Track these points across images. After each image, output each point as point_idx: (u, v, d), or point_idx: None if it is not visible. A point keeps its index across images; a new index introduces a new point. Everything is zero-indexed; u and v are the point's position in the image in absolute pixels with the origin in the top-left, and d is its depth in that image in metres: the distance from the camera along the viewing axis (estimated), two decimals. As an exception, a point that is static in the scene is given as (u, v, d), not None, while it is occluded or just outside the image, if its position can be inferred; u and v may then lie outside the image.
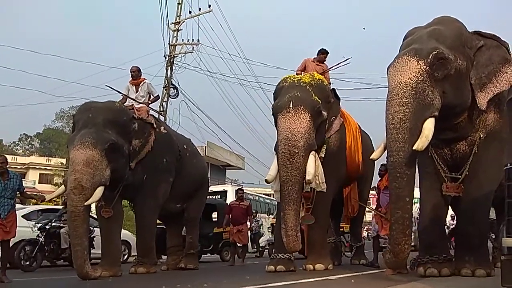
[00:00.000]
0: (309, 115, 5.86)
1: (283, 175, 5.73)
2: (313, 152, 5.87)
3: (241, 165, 29.10)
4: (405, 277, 5.00)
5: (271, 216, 15.39)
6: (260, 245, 13.54)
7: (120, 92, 7.20)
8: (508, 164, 2.93)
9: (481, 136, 4.93)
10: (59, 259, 8.14)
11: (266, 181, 6.17)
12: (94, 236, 7.71)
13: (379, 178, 6.73)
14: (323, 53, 7.34)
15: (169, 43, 16.52)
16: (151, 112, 7.25)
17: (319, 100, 6.07)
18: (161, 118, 12.73)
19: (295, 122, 5.79)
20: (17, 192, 5.92)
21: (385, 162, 6.57)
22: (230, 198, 14.03)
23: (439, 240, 5.05)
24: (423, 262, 4.92)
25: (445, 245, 5.23)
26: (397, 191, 4.18)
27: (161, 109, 15.26)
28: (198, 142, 10.26)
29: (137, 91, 7.09)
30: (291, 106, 5.87)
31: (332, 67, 7.37)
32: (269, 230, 13.28)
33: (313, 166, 5.75)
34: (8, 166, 5.92)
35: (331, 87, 6.87)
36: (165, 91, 15.95)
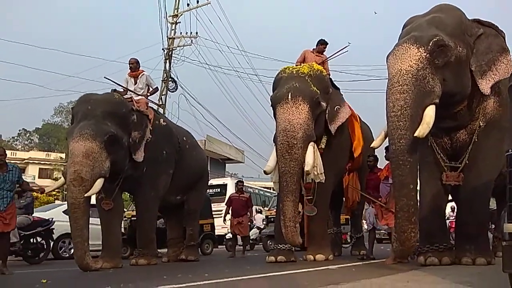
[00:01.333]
0: (308, 105, 5.84)
1: (282, 166, 5.72)
2: (312, 143, 5.86)
3: (241, 159, 29.12)
4: (406, 266, 5.01)
5: (265, 208, 15.32)
6: (251, 237, 13.30)
7: (119, 84, 7.18)
8: (510, 150, 2.91)
9: (481, 124, 4.92)
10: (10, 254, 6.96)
11: (264, 172, 6.17)
12: None
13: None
14: (322, 44, 7.30)
15: (167, 36, 16.46)
16: (150, 104, 7.22)
17: (318, 91, 6.04)
18: (160, 110, 12.68)
19: (294, 113, 5.77)
20: (17, 185, 5.91)
21: (373, 154, 6.70)
22: (230, 191, 14.03)
23: (439, 229, 5.06)
24: (424, 251, 4.94)
25: (445, 234, 5.23)
26: (401, 179, 4.16)
27: (160, 102, 15.21)
28: (198, 136, 10.22)
29: (135, 83, 7.08)
30: (289, 97, 5.85)
31: (330, 56, 7.33)
32: (264, 222, 13.15)
33: (311, 157, 5.74)
34: (7, 160, 5.91)
35: (330, 77, 6.85)
36: (164, 85, 15.91)
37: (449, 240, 5.15)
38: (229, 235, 12.19)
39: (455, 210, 7.40)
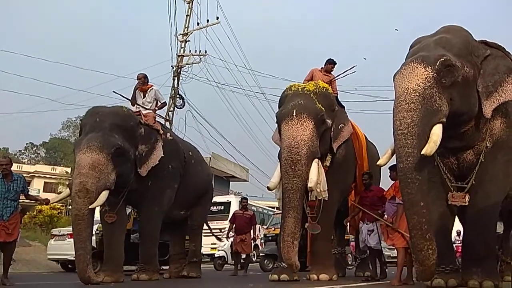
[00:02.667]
0: (313, 122, 5.86)
1: (285, 183, 5.71)
2: (316, 160, 5.85)
3: (245, 177, 29.03)
4: (412, 287, 4.92)
5: (264, 226, 15.07)
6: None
7: (127, 98, 7.28)
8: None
9: (488, 145, 4.89)
10: None
11: (268, 188, 6.15)
12: None
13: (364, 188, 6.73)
14: (330, 63, 7.38)
15: (177, 54, 16.70)
16: (157, 118, 7.28)
17: (323, 108, 6.07)
18: (167, 125, 12.75)
19: (298, 130, 5.79)
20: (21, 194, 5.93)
21: (368, 171, 6.75)
22: (234, 209, 13.93)
23: (445, 251, 4.95)
24: (430, 273, 4.83)
25: (452, 255, 5.14)
26: (410, 197, 4.12)
27: (167, 118, 15.32)
28: (203, 153, 10.18)
29: (144, 97, 7.15)
30: (294, 113, 5.88)
31: (338, 76, 7.39)
32: (262, 241, 12.89)
33: (315, 174, 5.72)
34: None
35: (337, 97, 6.88)
36: (171, 101, 16.05)
37: (456, 262, 5.06)
38: (218, 254, 12.07)
39: (461, 234, 7.29)
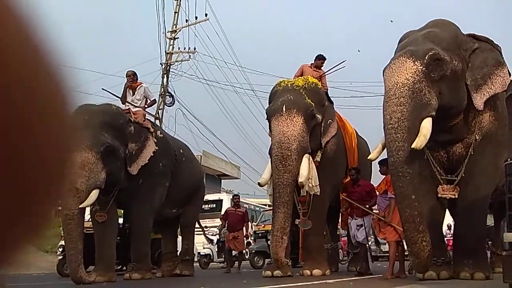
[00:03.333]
0: (302, 118, 5.87)
1: (276, 178, 5.73)
2: (306, 155, 5.87)
3: (237, 175, 28.95)
4: (404, 280, 4.97)
5: (254, 223, 15.01)
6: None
7: (117, 96, 7.19)
8: (509, 159, 2.92)
9: (477, 138, 4.95)
10: None
11: (259, 183, 6.17)
12: None
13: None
14: (320, 59, 7.37)
15: (165, 51, 16.53)
16: (147, 116, 7.22)
17: (313, 103, 6.08)
18: (157, 123, 12.67)
19: (288, 125, 5.81)
20: None
21: (355, 166, 6.71)
22: (226, 206, 13.88)
23: (437, 243, 4.99)
24: (422, 265, 4.87)
25: (443, 248, 5.20)
26: (402, 190, 4.16)
27: (157, 115, 15.21)
28: (194, 151, 10.09)
29: (133, 94, 7.08)
30: (284, 109, 5.89)
31: (328, 71, 7.40)
32: (251, 238, 12.84)
33: (306, 169, 5.74)
34: None
35: (327, 92, 6.89)
36: (161, 99, 15.92)
37: (447, 254, 5.11)
38: (204, 252, 12.02)
39: (452, 228, 7.35)
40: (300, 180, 5.66)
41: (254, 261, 10.59)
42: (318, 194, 6.05)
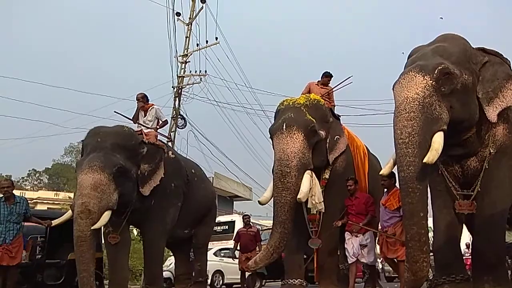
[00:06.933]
0: (303, 134, 5.86)
1: (275, 196, 5.71)
2: (308, 172, 5.82)
3: (249, 196, 28.84)
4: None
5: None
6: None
7: (129, 118, 7.30)
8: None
9: (491, 151, 4.86)
10: None
11: (259, 202, 6.14)
12: None
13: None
14: (326, 76, 7.41)
15: (177, 75, 16.83)
16: (159, 137, 7.29)
17: (314, 119, 6.06)
18: (169, 144, 12.77)
19: (288, 142, 5.81)
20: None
21: (352, 177, 6.43)
22: (239, 228, 13.81)
23: (455, 260, 4.89)
24: (440, 283, 4.75)
25: (461, 264, 5.05)
26: (411, 207, 4.08)
27: (169, 137, 15.36)
28: (206, 173, 10.17)
29: (145, 116, 7.18)
30: (284, 127, 5.91)
31: (334, 87, 7.41)
32: None
33: (307, 185, 5.69)
34: None
35: (334, 108, 6.89)
36: (173, 121, 16.10)
37: (466, 272, 4.96)
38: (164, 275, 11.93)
39: (470, 246, 7.14)
40: (298, 196, 5.59)
41: (254, 284, 10.17)
42: (323, 211, 5.99)
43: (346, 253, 6.34)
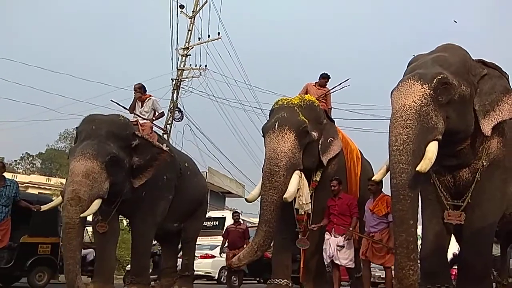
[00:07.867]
0: (294, 134, 5.85)
1: (262, 195, 5.71)
2: (297, 172, 5.81)
3: (241, 193, 28.82)
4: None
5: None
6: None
7: (125, 108, 7.26)
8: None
9: (484, 164, 4.88)
10: None
11: (246, 200, 6.12)
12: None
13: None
14: (324, 77, 7.41)
15: (177, 67, 16.80)
16: (154, 128, 7.25)
17: (306, 120, 6.06)
18: (165, 137, 12.74)
19: (279, 142, 5.80)
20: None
21: (337, 177, 6.29)
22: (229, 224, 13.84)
23: (441, 269, 4.91)
24: (424, 292, 4.77)
25: (447, 274, 5.08)
26: (401, 214, 4.08)
27: (165, 129, 15.34)
28: (200, 167, 10.18)
29: (142, 106, 7.14)
30: (276, 126, 5.90)
31: (332, 89, 7.41)
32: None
33: (294, 185, 5.68)
34: None
35: (331, 111, 6.88)
36: (170, 114, 16.07)
37: (451, 281, 4.99)
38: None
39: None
40: (285, 196, 5.56)
41: (230, 281, 9.70)
42: (310, 212, 5.99)
43: (323, 254, 6.22)
